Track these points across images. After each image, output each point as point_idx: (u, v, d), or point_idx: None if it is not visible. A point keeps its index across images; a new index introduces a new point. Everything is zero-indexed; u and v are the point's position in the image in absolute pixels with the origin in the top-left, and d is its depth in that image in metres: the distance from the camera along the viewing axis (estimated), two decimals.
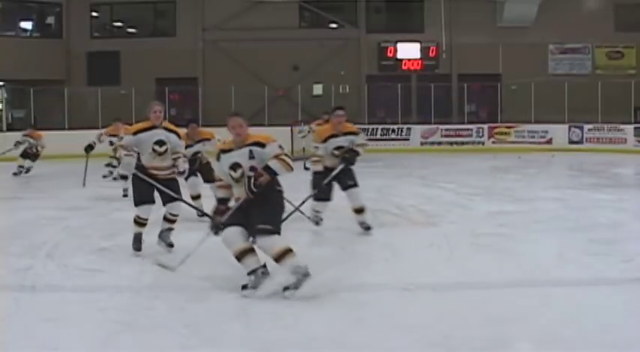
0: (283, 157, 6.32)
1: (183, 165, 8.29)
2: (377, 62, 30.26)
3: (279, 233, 6.22)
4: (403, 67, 30.16)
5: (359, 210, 9.23)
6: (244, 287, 6.25)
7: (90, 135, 15.35)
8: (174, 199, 8.23)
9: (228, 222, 6.40)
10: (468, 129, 27.65)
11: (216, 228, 6.46)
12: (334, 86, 28.42)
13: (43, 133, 18.82)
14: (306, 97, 28.60)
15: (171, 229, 8.32)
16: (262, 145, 6.42)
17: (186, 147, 9.45)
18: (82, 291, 6.53)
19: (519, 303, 5.82)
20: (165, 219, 8.29)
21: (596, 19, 29.29)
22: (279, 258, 6.10)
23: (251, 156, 6.39)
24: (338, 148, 9.21)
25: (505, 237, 8.98)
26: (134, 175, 8.14)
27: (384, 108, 29.73)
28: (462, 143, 27.34)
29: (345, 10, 31.07)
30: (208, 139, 10.79)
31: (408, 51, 30.16)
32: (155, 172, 8.11)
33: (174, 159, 8.22)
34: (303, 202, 9.34)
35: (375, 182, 14.74)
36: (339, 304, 5.91)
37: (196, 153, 10.76)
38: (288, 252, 6.11)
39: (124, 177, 11.66)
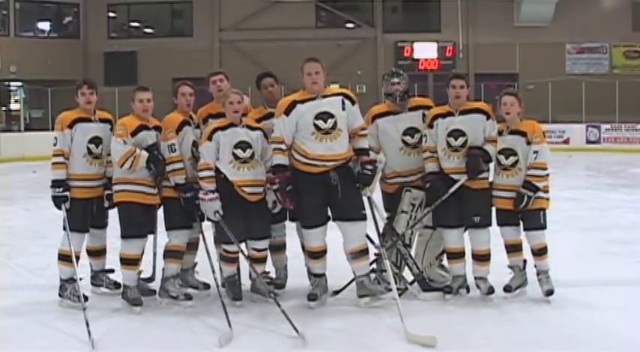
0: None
1: None
2: (394, 62, 30.10)
3: None
4: (420, 67, 30.14)
5: None
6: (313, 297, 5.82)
7: None
8: None
9: (315, 213, 5.82)
10: None
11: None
12: (351, 86, 28.35)
13: None
14: None
15: None
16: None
17: None
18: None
19: (535, 303, 5.80)
20: None
21: (614, 19, 29.18)
22: (359, 254, 5.83)
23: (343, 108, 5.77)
24: None
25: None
26: None
27: None
28: None
29: (361, 9, 31.14)
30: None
31: (425, 50, 30.18)
32: None
33: None
34: None
35: None
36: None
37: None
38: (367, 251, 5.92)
39: None
